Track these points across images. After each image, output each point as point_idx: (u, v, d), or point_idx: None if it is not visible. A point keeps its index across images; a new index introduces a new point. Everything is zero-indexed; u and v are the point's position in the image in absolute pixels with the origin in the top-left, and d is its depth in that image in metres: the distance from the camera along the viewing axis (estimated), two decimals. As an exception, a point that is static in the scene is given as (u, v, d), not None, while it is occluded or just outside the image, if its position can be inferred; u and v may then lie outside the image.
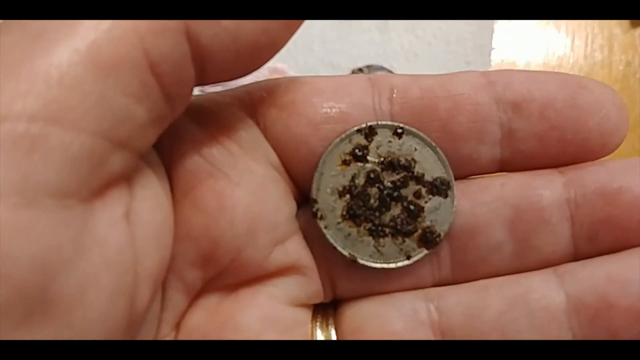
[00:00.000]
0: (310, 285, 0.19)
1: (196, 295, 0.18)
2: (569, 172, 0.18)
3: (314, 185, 0.18)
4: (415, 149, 0.18)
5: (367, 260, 0.18)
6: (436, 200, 0.18)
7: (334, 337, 0.19)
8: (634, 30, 0.48)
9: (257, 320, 0.18)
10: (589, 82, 0.18)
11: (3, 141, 0.12)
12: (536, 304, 0.18)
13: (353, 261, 0.18)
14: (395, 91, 0.18)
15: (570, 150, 0.18)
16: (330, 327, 0.19)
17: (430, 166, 0.18)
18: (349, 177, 0.18)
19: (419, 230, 0.18)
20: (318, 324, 0.19)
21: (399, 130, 0.18)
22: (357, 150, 0.18)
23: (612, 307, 0.17)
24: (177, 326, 0.18)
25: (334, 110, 0.18)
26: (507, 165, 0.19)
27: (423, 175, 0.18)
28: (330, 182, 0.18)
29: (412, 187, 0.18)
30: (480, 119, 0.18)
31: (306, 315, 0.19)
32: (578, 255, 0.18)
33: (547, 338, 0.18)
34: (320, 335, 0.19)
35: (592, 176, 0.18)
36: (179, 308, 0.18)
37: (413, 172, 0.18)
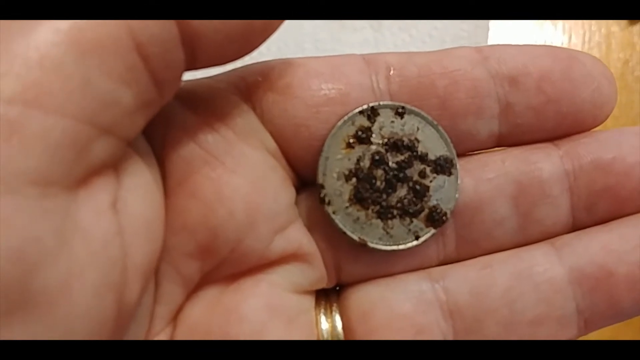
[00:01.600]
0: (313, 272, 0.18)
1: (194, 288, 0.18)
2: (563, 144, 0.19)
3: (320, 170, 0.18)
4: (418, 128, 0.18)
5: (377, 244, 0.18)
6: (441, 178, 0.18)
7: (338, 324, 0.19)
8: (631, 28, 0.47)
9: (262, 309, 0.17)
10: (580, 55, 0.19)
11: None
12: (540, 277, 0.18)
13: (363, 245, 0.18)
14: (391, 69, 0.18)
15: (565, 122, 0.18)
16: (334, 313, 0.19)
17: (433, 145, 0.18)
18: (355, 160, 0.18)
19: (426, 210, 0.18)
20: (322, 310, 0.19)
21: (401, 110, 0.18)
22: (360, 132, 0.18)
23: (611, 275, 0.18)
24: (174, 320, 0.18)
25: (332, 91, 0.18)
26: (504, 140, 0.19)
27: (427, 154, 0.18)
28: (335, 166, 0.18)
29: (417, 166, 0.18)
30: (479, 95, 0.18)
31: (310, 301, 0.19)
32: (576, 225, 0.19)
33: (552, 310, 0.18)
34: (324, 322, 0.19)
35: (586, 147, 0.18)
36: (175, 302, 0.17)
37: (417, 152, 0.18)
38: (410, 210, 0.18)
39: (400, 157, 0.18)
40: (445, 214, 0.18)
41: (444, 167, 0.18)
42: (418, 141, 0.18)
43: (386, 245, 0.18)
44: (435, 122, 0.18)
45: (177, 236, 0.17)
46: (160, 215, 0.16)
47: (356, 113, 0.18)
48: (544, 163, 0.18)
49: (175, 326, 0.18)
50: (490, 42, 0.45)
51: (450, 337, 0.18)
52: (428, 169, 0.18)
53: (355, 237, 0.18)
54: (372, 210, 0.18)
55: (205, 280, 0.18)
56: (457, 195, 0.18)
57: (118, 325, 0.15)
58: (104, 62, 0.13)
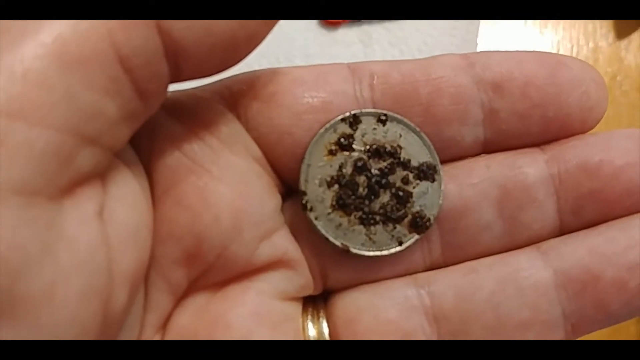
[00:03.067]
0: (299, 278, 0.19)
1: (182, 295, 0.18)
2: (549, 148, 0.19)
3: (302, 177, 0.18)
4: (400, 135, 0.18)
5: (359, 249, 0.18)
6: (424, 184, 0.18)
7: (325, 330, 0.19)
8: (619, 42, 0.48)
9: (248, 317, 0.18)
10: (568, 59, 0.18)
11: None
12: (525, 281, 0.18)
13: (346, 251, 0.18)
14: (375, 77, 0.18)
15: (552, 127, 0.18)
16: (321, 319, 0.19)
17: (416, 151, 0.18)
18: (337, 167, 0.18)
19: (409, 216, 0.18)
20: (309, 317, 0.19)
21: (383, 117, 0.18)
22: (342, 140, 0.18)
23: (598, 279, 0.17)
24: (163, 327, 0.18)
25: (315, 99, 0.18)
26: (490, 146, 0.19)
27: (409, 160, 0.18)
28: (317, 172, 0.18)
29: (400, 173, 0.18)
30: (462, 101, 0.18)
31: (296, 308, 0.19)
32: (564, 229, 0.19)
33: (538, 314, 0.18)
34: (311, 329, 0.19)
35: (573, 151, 0.18)
36: (164, 309, 0.17)
37: (399, 159, 0.18)
38: (393, 216, 0.18)
39: (383, 164, 0.18)
40: (429, 219, 0.18)
41: (427, 173, 0.18)
42: (400, 148, 0.18)
43: (369, 250, 0.18)
44: (417, 129, 0.18)
45: (164, 244, 0.17)
46: (147, 223, 0.16)
47: (338, 120, 0.18)
48: (529, 167, 0.18)
49: (164, 334, 0.18)
50: (479, 56, 0.45)
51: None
52: (411, 176, 0.18)
53: (337, 242, 0.18)
54: (355, 216, 0.18)
55: (193, 288, 0.18)
56: (440, 201, 0.18)
57: (104, 332, 0.15)
58: (87, 75, 0.13)
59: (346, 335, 0.18)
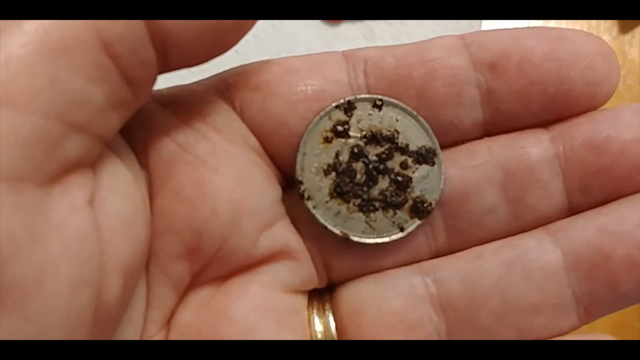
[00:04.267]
0: (302, 270, 0.18)
1: (185, 291, 0.18)
2: (554, 127, 0.18)
3: (298, 166, 0.18)
4: (397, 120, 0.18)
5: (360, 237, 0.18)
6: (423, 169, 0.18)
7: (331, 323, 0.18)
8: (622, 37, 0.47)
9: (252, 311, 0.17)
10: (570, 32, 0.18)
11: None
12: (533, 264, 0.17)
13: (346, 239, 0.18)
14: (369, 63, 0.18)
15: (554, 105, 0.18)
16: (327, 312, 0.19)
17: (414, 135, 0.18)
18: (333, 155, 0.18)
19: (410, 201, 0.18)
20: (315, 310, 0.19)
21: (379, 102, 0.18)
22: (338, 127, 0.18)
23: (608, 258, 0.17)
24: (168, 324, 0.17)
25: (309, 88, 0.18)
26: (491, 128, 0.18)
27: (407, 145, 0.18)
28: (314, 161, 0.18)
29: (398, 158, 0.18)
30: (457, 83, 0.18)
31: (301, 301, 0.19)
32: (573, 209, 0.18)
33: (547, 298, 0.17)
34: (317, 322, 0.19)
35: (578, 128, 0.18)
36: (168, 305, 0.17)
37: (397, 143, 0.18)
38: (393, 202, 0.18)
39: (380, 149, 0.18)
40: (431, 204, 0.18)
41: (426, 157, 0.18)
42: (398, 132, 0.18)
43: (369, 237, 0.18)
44: (414, 113, 0.18)
45: (164, 238, 0.17)
46: (141, 214, 0.16)
47: (332, 107, 0.18)
48: (532, 147, 0.18)
49: (169, 330, 0.17)
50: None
51: (442, 331, 0.18)
52: (410, 160, 0.18)
53: (337, 231, 0.18)
54: (354, 203, 0.18)
55: (195, 282, 0.18)
56: (442, 185, 0.18)
57: (98, 323, 0.15)
58: (72, 61, 0.13)
59: (352, 327, 0.18)
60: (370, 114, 0.18)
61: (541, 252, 0.17)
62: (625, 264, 0.17)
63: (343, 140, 0.18)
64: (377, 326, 0.18)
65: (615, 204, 0.18)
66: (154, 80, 0.15)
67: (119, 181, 0.16)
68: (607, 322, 0.46)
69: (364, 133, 0.18)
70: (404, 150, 0.18)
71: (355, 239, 0.18)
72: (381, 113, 0.18)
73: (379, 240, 0.18)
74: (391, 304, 0.18)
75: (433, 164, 0.18)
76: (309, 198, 0.18)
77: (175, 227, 0.17)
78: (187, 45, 0.15)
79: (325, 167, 0.18)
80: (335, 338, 0.18)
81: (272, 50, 0.40)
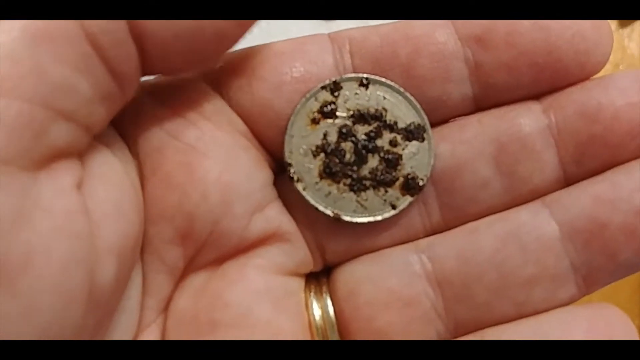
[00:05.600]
0: (296, 252, 0.18)
1: (181, 276, 0.18)
2: (546, 98, 0.18)
3: (286, 148, 0.18)
4: (384, 98, 0.18)
5: (352, 216, 0.18)
6: (413, 145, 0.18)
7: (329, 306, 0.18)
8: (622, 31, 0.47)
9: (247, 294, 0.17)
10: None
11: None
12: (528, 236, 0.17)
13: (337, 219, 0.18)
14: (354, 43, 0.18)
15: (544, 76, 0.17)
16: (325, 295, 0.19)
17: (402, 113, 0.18)
18: (321, 136, 0.18)
19: (401, 179, 0.18)
20: (312, 293, 0.19)
21: (365, 81, 0.18)
22: (324, 107, 0.18)
23: (605, 227, 0.17)
24: (165, 311, 0.18)
25: (294, 70, 0.18)
26: (482, 103, 0.18)
27: (396, 122, 0.18)
28: (302, 143, 0.18)
29: (387, 136, 0.18)
30: (443, 58, 0.18)
31: (298, 284, 0.19)
32: (568, 180, 0.18)
33: (544, 269, 0.17)
34: (315, 305, 0.18)
35: (570, 97, 0.17)
36: (164, 292, 0.17)
37: (385, 121, 0.18)
38: (384, 180, 0.18)
39: (369, 128, 0.18)
40: (422, 180, 0.18)
41: (415, 133, 0.18)
42: (386, 110, 0.18)
43: (362, 217, 0.18)
44: (402, 90, 0.18)
45: (156, 225, 0.17)
46: (132, 200, 0.16)
47: (318, 89, 0.18)
48: (523, 118, 0.18)
49: (166, 316, 0.18)
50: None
51: (440, 307, 0.18)
52: (399, 137, 0.18)
53: (328, 211, 0.18)
54: (344, 183, 0.18)
55: (190, 267, 0.18)
56: (432, 161, 0.18)
57: (93, 304, 0.14)
58: (56, 50, 0.13)
59: (348, 308, 0.18)
60: (357, 93, 0.18)
61: (536, 223, 0.17)
62: (622, 231, 0.17)
63: (330, 120, 0.18)
64: (374, 305, 0.18)
65: (610, 172, 0.17)
66: (138, 77, 0.16)
67: (108, 169, 0.16)
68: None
69: (351, 112, 0.18)
70: (392, 127, 0.18)
71: (347, 218, 0.18)
72: (368, 92, 0.18)
73: (372, 219, 0.18)
74: (387, 282, 0.18)
75: (423, 140, 0.18)
76: (298, 180, 0.18)
77: (166, 213, 0.17)
78: (165, 46, 0.15)
79: (313, 148, 0.18)
80: (333, 320, 0.18)
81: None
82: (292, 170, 0.18)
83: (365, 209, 0.18)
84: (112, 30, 0.14)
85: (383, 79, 0.18)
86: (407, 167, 0.18)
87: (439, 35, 0.18)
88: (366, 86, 0.18)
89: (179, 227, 0.17)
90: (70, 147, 0.14)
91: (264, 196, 0.18)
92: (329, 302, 0.18)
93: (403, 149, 0.18)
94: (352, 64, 0.18)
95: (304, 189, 0.18)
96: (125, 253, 0.16)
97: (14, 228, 0.13)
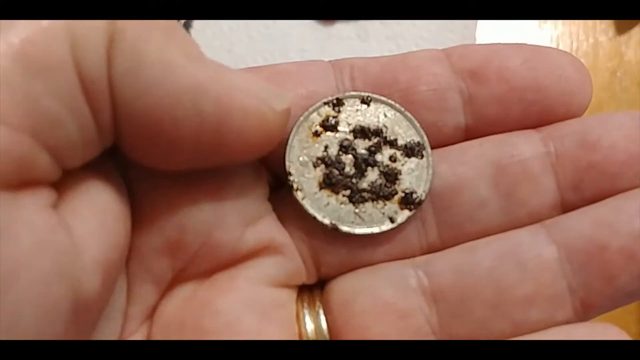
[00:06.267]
0: (289, 264, 0.18)
1: (168, 287, 0.18)
2: (544, 129, 0.18)
3: (287, 158, 0.18)
4: (385, 115, 0.18)
5: (349, 227, 0.18)
6: (412, 162, 0.18)
7: (322, 318, 0.18)
8: (619, 38, 0.47)
9: (236, 303, 0.17)
10: (545, 48, 0.19)
11: None
12: (526, 255, 0.17)
13: (335, 229, 0.18)
14: (355, 69, 0.19)
15: (533, 111, 0.18)
16: (318, 307, 0.19)
17: (402, 130, 0.18)
18: (322, 148, 0.18)
19: (400, 193, 0.18)
20: (305, 304, 0.19)
21: (367, 99, 0.18)
22: (326, 121, 0.18)
23: (604, 249, 0.17)
24: (150, 319, 0.17)
25: (298, 88, 0.18)
26: (473, 133, 0.19)
27: (396, 139, 0.18)
28: (302, 153, 0.18)
29: (387, 151, 0.18)
30: (440, 87, 0.18)
31: (289, 296, 0.19)
32: (566, 206, 0.18)
33: (542, 289, 0.17)
34: (307, 316, 0.18)
35: (569, 128, 0.18)
36: (148, 301, 0.17)
37: (385, 137, 0.18)
38: (383, 194, 0.18)
39: (369, 143, 0.18)
40: (420, 195, 0.18)
41: (414, 150, 0.18)
42: (386, 127, 0.18)
43: (359, 228, 0.18)
44: (402, 109, 0.18)
45: (145, 234, 0.17)
46: (117, 209, 0.16)
47: (321, 104, 0.18)
48: (524, 144, 0.18)
49: (151, 324, 0.17)
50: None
51: (434, 322, 0.18)
52: (398, 153, 0.18)
53: (326, 221, 0.18)
54: (343, 194, 0.18)
55: (179, 278, 0.18)
56: (430, 177, 0.18)
57: (77, 317, 0.14)
58: (49, 82, 0.13)
59: (342, 317, 0.18)
60: (358, 110, 0.18)
61: (535, 243, 0.17)
62: (621, 255, 0.17)
63: (332, 134, 0.18)
64: (367, 315, 0.18)
65: (610, 198, 0.17)
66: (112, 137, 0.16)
67: (93, 183, 0.16)
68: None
69: (352, 127, 0.18)
70: (392, 143, 0.18)
71: (345, 229, 0.18)
72: (369, 109, 0.18)
73: (369, 231, 0.18)
74: (383, 293, 0.18)
75: (422, 157, 0.18)
76: (297, 189, 0.18)
77: (156, 223, 0.17)
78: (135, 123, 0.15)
79: (314, 159, 0.18)
80: (325, 332, 0.18)
81: (266, 50, 0.39)
82: (291, 179, 0.18)
83: (363, 221, 0.18)
84: (95, 68, 0.14)
85: (384, 98, 0.18)
86: (406, 182, 0.18)
87: (436, 67, 0.18)
88: (367, 103, 0.18)
89: (169, 237, 0.17)
90: (46, 176, 0.14)
91: (258, 210, 0.18)
92: (322, 314, 0.18)
93: (402, 165, 0.18)
94: (352, 87, 0.18)
95: (303, 199, 0.18)
96: (109, 265, 0.16)
97: None
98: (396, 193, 0.18)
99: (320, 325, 0.18)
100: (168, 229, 0.17)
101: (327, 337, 0.18)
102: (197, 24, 0.39)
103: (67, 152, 0.14)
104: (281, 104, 0.16)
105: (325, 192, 0.18)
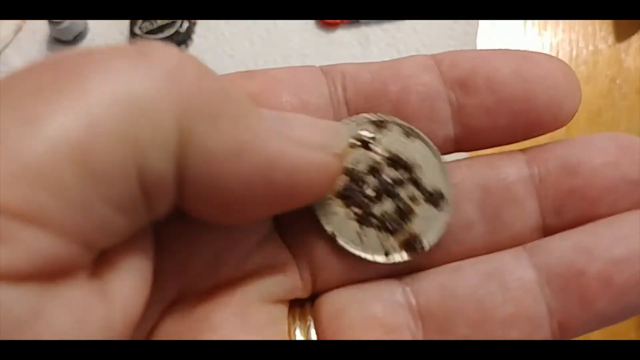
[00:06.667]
0: (288, 282, 0.19)
1: (170, 304, 0.18)
2: (530, 150, 0.19)
3: None
4: (422, 155, 0.18)
5: (346, 243, 0.18)
6: (430, 210, 0.18)
7: (312, 330, 0.19)
8: (619, 45, 0.47)
9: (232, 319, 0.18)
10: (535, 54, 0.19)
11: None
12: (509, 276, 0.18)
13: (332, 239, 0.18)
14: (347, 77, 0.19)
15: (520, 121, 0.18)
16: (309, 321, 0.19)
17: (432, 175, 0.18)
18: (352, 161, 0.18)
19: (406, 234, 0.18)
20: (297, 319, 0.19)
21: (409, 131, 0.18)
22: (364, 137, 0.18)
23: (582, 274, 0.17)
24: (149, 335, 0.18)
25: (294, 98, 0.18)
26: (461, 144, 0.19)
27: (423, 181, 0.18)
28: None
29: (410, 189, 0.18)
30: (429, 98, 0.18)
31: (281, 311, 0.19)
32: (547, 229, 0.19)
33: (522, 310, 0.17)
34: (298, 329, 0.19)
35: (552, 152, 0.18)
36: (151, 320, 0.17)
37: (414, 176, 0.18)
38: (390, 227, 0.18)
39: (396, 174, 0.18)
40: (424, 245, 0.18)
41: (437, 200, 0.18)
42: (419, 167, 0.18)
43: (355, 248, 0.18)
44: (439, 153, 0.18)
45: (155, 255, 0.17)
46: (149, 255, 0.16)
47: (365, 119, 0.18)
48: (509, 167, 0.19)
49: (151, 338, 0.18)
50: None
51: (419, 338, 0.18)
52: (420, 196, 0.18)
53: (328, 228, 0.18)
54: (353, 211, 0.18)
55: (181, 296, 0.18)
56: (443, 232, 0.18)
57: None
58: (107, 189, 0.13)
59: (330, 329, 0.18)
60: (398, 139, 0.18)
61: (517, 265, 0.18)
62: (599, 279, 0.17)
63: (365, 151, 0.18)
64: (356, 329, 0.18)
65: (590, 224, 0.18)
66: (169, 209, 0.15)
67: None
68: (603, 331, 0.46)
69: (387, 154, 0.18)
70: (418, 184, 0.18)
71: (341, 242, 0.18)
72: (409, 142, 0.18)
73: (362, 255, 0.18)
74: (372, 308, 0.18)
75: (441, 209, 0.18)
76: None
77: (166, 245, 0.17)
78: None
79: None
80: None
81: (267, 54, 0.39)
82: None
83: (361, 242, 0.18)
84: (162, 176, 0.14)
85: (426, 137, 0.18)
86: (417, 225, 0.18)
87: (426, 77, 0.18)
88: (408, 136, 0.18)
89: (178, 260, 0.17)
90: (86, 263, 0.14)
91: (265, 229, 0.18)
92: (312, 327, 0.19)
93: (419, 208, 0.18)
94: (345, 98, 0.19)
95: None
96: (139, 314, 0.15)
97: (25, 332, 0.12)
98: (403, 232, 0.18)
99: (310, 338, 0.19)
100: (178, 251, 0.17)
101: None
102: (199, 29, 0.40)
103: (114, 243, 0.14)
104: (341, 143, 0.17)
105: (338, 202, 0.18)
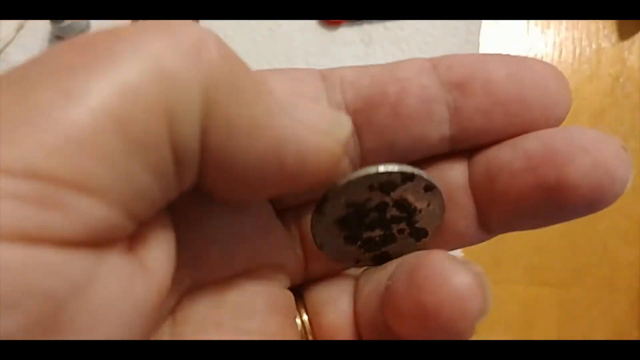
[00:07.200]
0: (288, 279, 0.20)
1: (185, 293, 0.18)
2: (474, 154, 0.20)
3: (342, 181, 0.18)
4: (431, 206, 0.19)
5: (328, 251, 0.19)
6: (410, 240, 0.20)
7: (304, 314, 0.20)
8: (622, 44, 0.47)
9: (262, 303, 0.19)
10: (529, 60, 0.19)
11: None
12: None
13: (320, 247, 0.19)
14: (345, 80, 0.19)
15: (514, 123, 0.19)
16: (300, 308, 0.20)
17: (429, 219, 0.19)
18: (366, 197, 0.19)
19: (381, 256, 0.20)
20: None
21: (429, 186, 0.19)
22: (387, 187, 0.19)
23: None
24: (172, 317, 0.18)
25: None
26: (456, 144, 0.19)
27: (417, 222, 0.19)
28: (353, 194, 0.19)
29: (402, 225, 0.19)
30: (427, 100, 0.19)
31: (290, 298, 0.20)
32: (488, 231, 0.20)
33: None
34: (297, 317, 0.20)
35: (485, 155, 0.19)
36: (167, 308, 0.18)
37: (412, 218, 0.19)
38: (368, 249, 0.19)
39: (398, 213, 0.19)
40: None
41: (420, 236, 0.19)
42: (420, 212, 0.19)
43: (333, 257, 0.20)
44: (444, 208, 0.19)
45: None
46: (172, 234, 0.17)
47: (397, 171, 0.18)
48: (452, 170, 0.19)
49: (174, 325, 0.18)
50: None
51: None
52: (408, 231, 0.19)
53: (317, 238, 0.19)
54: (344, 233, 0.19)
55: (196, 285, 0.18)
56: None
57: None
58: (146, 157, 0.14)
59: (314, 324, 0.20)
60: (416, 192, 0.19)
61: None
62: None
63: (382, 194, 0.19)
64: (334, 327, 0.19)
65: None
66: (194, 181, 0.16)
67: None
68: (606, 330, 0.46)
69: (398, 199, 0.19)
70: (412, 225, 0.19)
71: (325, 251, 0.19)
72: (425, 195, 0.19)
73: (337, 261, 0.20)
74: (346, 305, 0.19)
75: (419, 241, 0.20)
76: (324, 200, 0.18)
77: (183, 237, 0.17)
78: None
79: (351, 201, 0.19)
80: (309, 333, 0.20)
81: (270, 53, 0.40)
82: (326, 191, 0.18)
83: (339, 254, 0.20)
84: (190, 141, 0.14)
85: (443, 194, 0.19)
86: (391, 249, 0.20)
87: (424, 80, 0.19)
88: (426, 190, 0.19)
89: (195, 251, 0.18)
90: (126, 234, 0.15)
91: (274, 229, 0.19)
92: (304, 313, 0.20)
93: (401, 242, 0.20)
94: (344, 101, 0.19)
95: (318, 212, 0.19)
96: (167, 288, 0.16)
97: (81, 297, 0.13)
98: (379, 253, 0.20)
99: (306, 323, 0.20)
100: (194, 243, 0.18)
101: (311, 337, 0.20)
102: (202, 28, 0.40)
103: (149, 214, 0.15)
104: (344, 132, 0.17)
105: (337, 226, 0.19)
